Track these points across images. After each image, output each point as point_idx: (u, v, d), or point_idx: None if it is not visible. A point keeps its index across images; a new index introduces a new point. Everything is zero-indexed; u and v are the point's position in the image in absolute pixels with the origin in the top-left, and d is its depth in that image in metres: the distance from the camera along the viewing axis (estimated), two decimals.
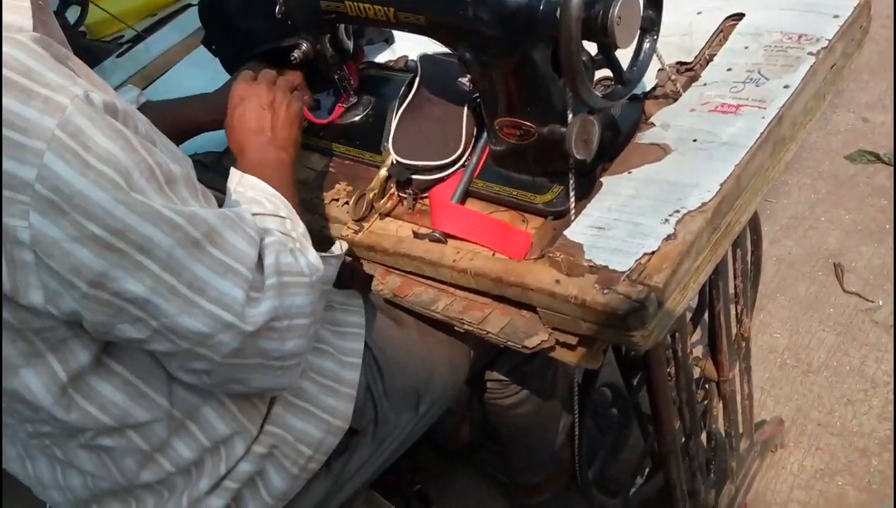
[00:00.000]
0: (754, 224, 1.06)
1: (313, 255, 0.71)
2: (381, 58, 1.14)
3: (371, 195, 0.89)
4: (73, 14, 1.49)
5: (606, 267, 0.66)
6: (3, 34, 0.53)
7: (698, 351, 1.11)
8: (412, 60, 1.08)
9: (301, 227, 0.74)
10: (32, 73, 0.51)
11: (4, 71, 0.50)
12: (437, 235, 0.82)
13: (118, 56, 1.47)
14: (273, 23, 0.92)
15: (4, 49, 0.51)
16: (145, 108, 0.96)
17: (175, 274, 0.57)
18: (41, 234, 0.52)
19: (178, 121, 0.96)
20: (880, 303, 1.58)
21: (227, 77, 1.08)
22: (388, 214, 0.90)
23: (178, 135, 0.96)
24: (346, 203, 0.90)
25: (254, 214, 0.70)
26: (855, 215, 1.79)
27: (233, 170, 0.78)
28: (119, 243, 0.54)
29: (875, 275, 1.64)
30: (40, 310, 0.56)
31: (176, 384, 0.69)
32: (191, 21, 1.53)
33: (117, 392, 0.66)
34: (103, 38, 1.55)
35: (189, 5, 1.61)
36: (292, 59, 0.94)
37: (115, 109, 0.56)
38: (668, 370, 0.94)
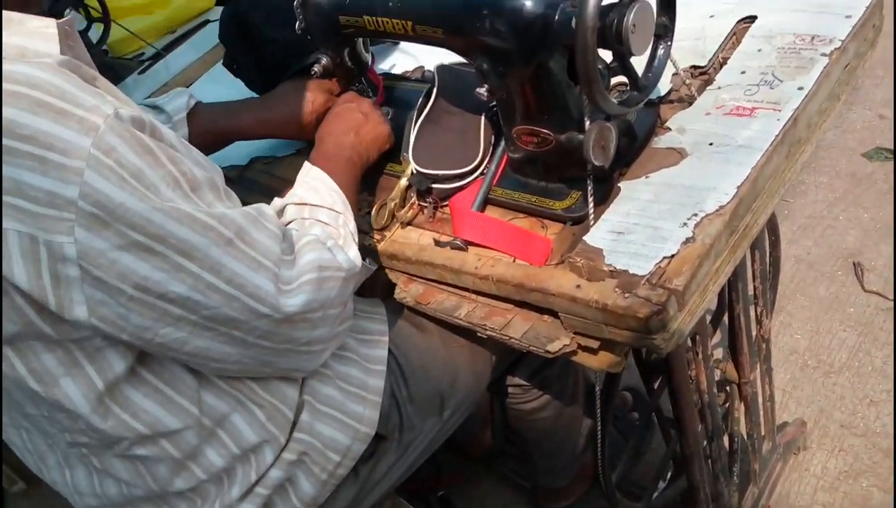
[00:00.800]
0: (772, 225, 1.06)
1: (353, 252, 0.76)
2: (399, 69, 1.16)
3: (392, 204, 0.91)
4: (94, 33, 1.53)
5: (626, 271, 0.67)
6: (35, 60, 0.55)
7: (719, 353, 1.11)
8: (429, 71, 1.10)
9: (352, 225, 0.80)
10: (66, 95, 0.54)
11: (41, 95, 0.53)
12: (459, 243, 0.84)
13: (140, 73, 1.51)
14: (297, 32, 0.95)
15: (38, 73, 0.54)
16: (196, 110, 0.98)
17: (214, 273, 0.60)
18: (87, 247, 0.55)
19: (225, 125, 0.99)
20: None
21: (246, 92, 1.11)
22: (409, 223, 0.91)
23: (222, 140, 1.01)
24: (368, 212, 0.91)
25: (312, 204, 0.77)
26: (873, 213, 1.79)
27: (306, 162, 0.83)
28: (160, 247, 0.57)
29: (894, 273, 1.63)
30: (84, 324, 0.58)
31: (205, 391, 0.71)
32: (209, 38, 1.56)
33: (148, 400, 0.68)
34: (125, 55, 1.59)
35: (207, 22, 1.64)
36: (313, 72, 0.96)
37: (142, 123, 0.59)
38: (689, 372, 0.94)
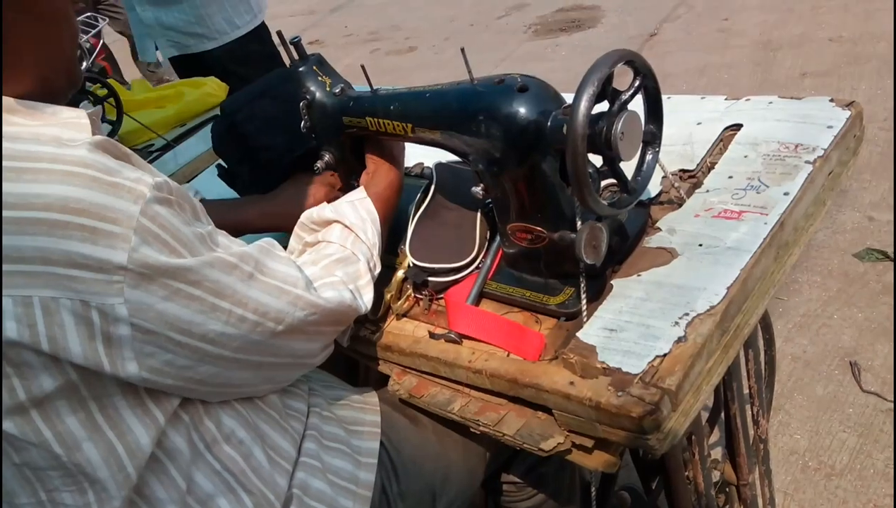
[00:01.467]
0: (765, 324, 1.07)
1: (369, 297, 0.83)
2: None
3: (388, 296, 0.92)
4: (104, 126, 1.59)
5: (620, 369, 0.68)
6: (80, 142, 0.60)
7: (718, 453, 1.09)
8: (427, 167, 1.14)
9: (379, 265, 0.87)
10: (113, 172, 0.59)
11: (94, 173, 0.58)
12: (453, 336, 0.84)
13: (148, 162, 1.55)
14: (292, 134, 0.99)
15: (88, 155, 0.58)
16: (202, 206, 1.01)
17: (242, 306, 0.66)
18: (137, 304, 0.59)
19: (232, 221, 1.02)
20: None
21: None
22: (404, 315, 0.92)
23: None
24: None
25: (356, 236, 0.85)
26: (868, 313, 1.80)
27: (361, 186, 0.91)
28: (197, 291, 0.63)
29: (892, 374, 1.62)
30: (134, 377, 0.62)
31: (195, 469, 0.70)
32: None
33: (147, 469, 0.67)
34: (135, 145, 1.64)
35: (217, 116, 1.71)
36: (316, 168, 0.99)
37: (170, 187, 0.64)
38: (687, 473, 0.93)
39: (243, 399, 0.75)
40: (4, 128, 0.60)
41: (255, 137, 1.04)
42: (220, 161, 1.14)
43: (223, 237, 0.70)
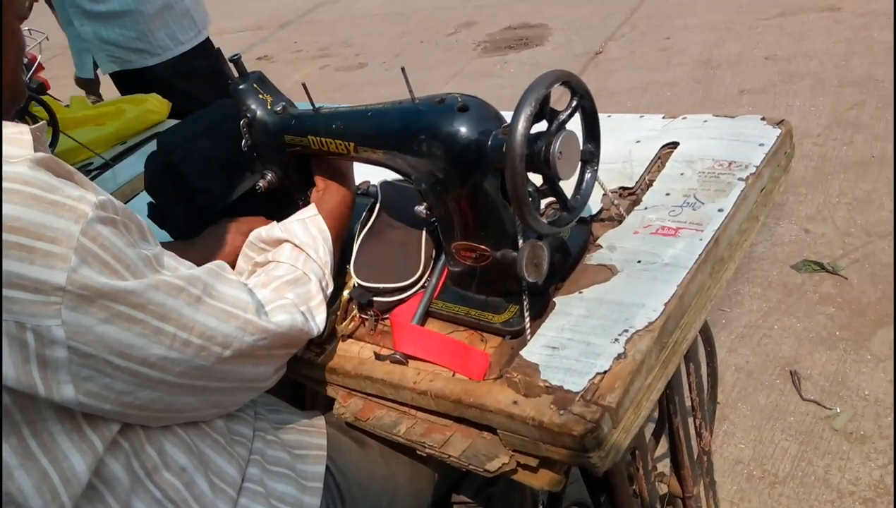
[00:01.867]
0: (706, 336, 1.09)
1: (321, 317, 0.81)
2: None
3: (333, 317, 0.90)
4: None
5: (561, 387, 0.68)
6: (21, 158, 0.58)
7: (665, 465, 1.11)
8: (373, 186, 1.13)
9: (332, 284, 0.86)
10: (55, 189, 0.57)
11: (34, 190, 0.56)
12: (399, 357, 0.83)
13: None
14: (232, 178, 0.98)
15: (26, 170, 0.57)
16: None
17: (188, 330, 0.65)
18: (75, 327, 0.57)
19: None
20: (838, 411, 1.60)
21: None
22: (350, 336, 0.91)
23: None
24: None
25: (307, 254, 0.84)
26: (806, 323, 1.86)
27: (312, 204, 0.90)
28: (141, 315, 0.61)
29: (830, 382, 1.68)
30: (70, 401, 0.60)
31: (135, 499, 0.68)
32: None
33: (83, 498, 0.64)
34: (72, 164, 1.58)
35: (157, 134, 1.67)
36: (258, 187, 0.98)
37: (114, 207, 0.63)
38: (633, 487, 0.93)
39: (187, 424, 0.72)
40: None
41: (193, 179, 1.00)
42: (152, 199, 1.06)
43: (170, 258, 0.68)
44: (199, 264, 0.96)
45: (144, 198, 1.41)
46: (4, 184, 0.55)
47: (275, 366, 0.77)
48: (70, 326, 0.57)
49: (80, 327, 0.57)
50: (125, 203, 1.43)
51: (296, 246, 0.85)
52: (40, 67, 3.73)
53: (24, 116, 1.46)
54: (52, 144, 1.52)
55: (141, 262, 0.62)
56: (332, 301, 0.92)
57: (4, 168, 0.56)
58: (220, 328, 0.67)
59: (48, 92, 2.35)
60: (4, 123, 0.62)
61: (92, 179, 1.51)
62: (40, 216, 0.55)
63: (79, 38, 1.98)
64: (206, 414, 0.75)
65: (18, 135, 0.62)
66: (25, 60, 1.80)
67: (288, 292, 0.80)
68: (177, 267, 0.67)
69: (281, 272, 0.82)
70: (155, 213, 1.07)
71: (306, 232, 0.86)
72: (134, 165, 1.54)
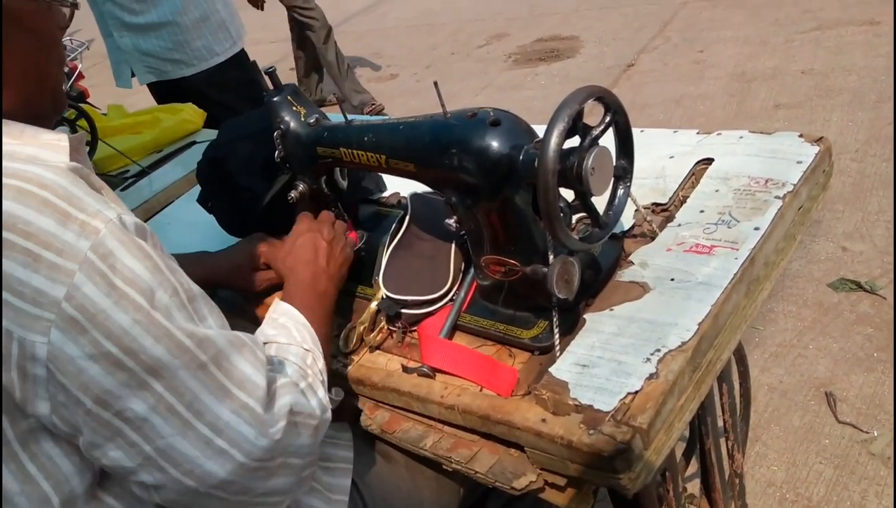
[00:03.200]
0: (740, 356, 1.07)
1: (322, 393, 0.72)
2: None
3: (361, 328, 0.91)
4: None
5: (591, 406, 0.67)
6: (48, 163, 0.57)
7: (695, 486, 1.08)
8: (403, 198, 1.13)
9: (321, 363, 0.76)
10: (73, 199, 0.56)
11: (48, 195, 0.55)
12: (426, 370, 0.83)
13: (122, 189, 1.54)
14: (271, 180, 0.99)
15: (48, 175, 0.56)
16: None
17: (177, 395, 0.58)
18: (59, 351, 0.54)
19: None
20: (875, 434, 1.56)
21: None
22: (377, 347, 0.91)
23: None
24: (337, 335, 0.91)
25: (279, 343, 0.74)
26: (842, 343, 1.81)
27: (276, 300, 0.82)
28: (130, 362, 0.56)
29: (867, 405, 1.63)
30: (45, 418, 0.57)
31: None
32: (193, 158, 1.61)
33: None
34: (110, 172, 1.62)
35: (193, 143, 1.70)
36: (289, 198, 0.98)
37: (144, 231, 0.60)
38: None
39: None
40: None
41: (235, 175, 1.03)
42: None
43: (206, 306, 0.63)
44: (224, 275, 0.96)
45: (179, 205, 1.44)
46: (22, 185, 0.54)
47: (291, 478, 0.66)
48: (54, 348, 0.54)
49: (64, 354, 0.54)
50: (161, 209, 1.46)
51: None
52: (80, 76, 3.84)
53: (61, 123, 1.50)
54: (91, 152, 1.55)
55: (161, 289, 0.57)
56: (359, 312, 0.92)
57: (27, 167, 0.56)
58: (212, 406, 0.59)
59: (87, 100, 2.41)
60: (44, 130, 0.63)
61: (128, 186, 1.55)
62: (51, 225, 0.54)
63: (118, 49, 2.03)
64: None
65: (56, 141, 0.62)
66: (66, 69, 1.84)
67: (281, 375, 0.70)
68: (206, 317, 0.62)
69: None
70: (202, 199, 1.11)
71: (274, 324, 0.78)
72: (170, 173, 1.57)
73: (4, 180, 0.55)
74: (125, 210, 0.61)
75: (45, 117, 0.67)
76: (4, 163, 0.56)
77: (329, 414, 0.72)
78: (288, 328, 0.77)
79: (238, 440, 0.60)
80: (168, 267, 0.60)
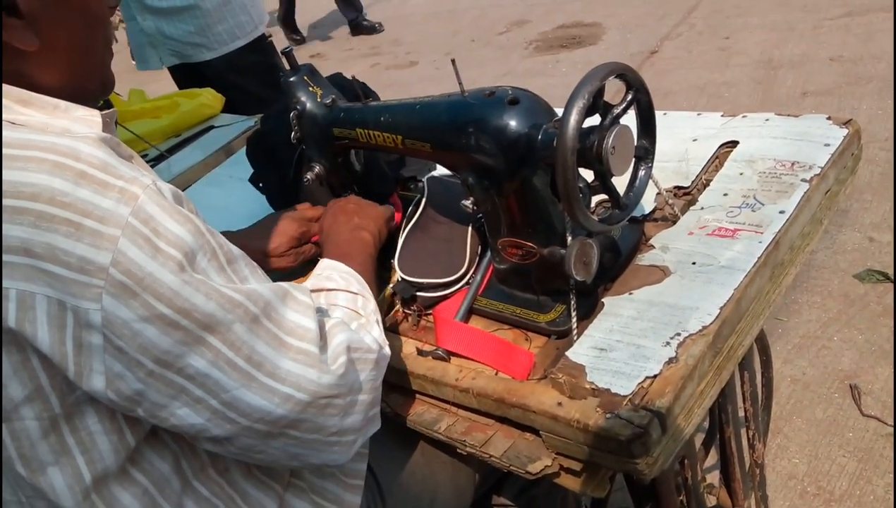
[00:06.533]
0: (762, 345, 1.05)
1: (377, 332, 0.74)
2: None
3: None
4: None
5: (609, 390, 0.65)
6: (81, 136, 0.57)
7: (714, 477, 1.07)
8: (420, 180, 1.12)
9: (372, 304, 0.77)
10: (108, 167, 0.56)
11: (83, 166, 0.55)
12: (441, 353, 0.82)
13: None
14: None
15: (82, 146, 0.56)
16: None
17: (234, 349, 0.59)
18: (113, 316, 0.54)
19: None
20: None
21: (241, 194, 1.13)
22: (392, 330, 0.90)
23: None
24: None
25: (327, 290, 0.75)
26: (868, 335, 1.77)
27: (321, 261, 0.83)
28: (184, 321, 0.56)
29: (893, 399, 1.59)
30: (100, 394, 0.57)
31: (186, 498, 0.68)
32: (212, 143, 1.61)
33: (136, 501, 0.64)
34: None
35: (211, 127, 1.70)
36: (305, 180, 0.98)
37: (180, 197, 0.61)
38: (681, 498, 0.90)
39: None
40: (14, 117, 0.58)
41: (280, 150, 1.03)
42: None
43: (248, 267, 0.64)
44: (257, 251, 0.95)
45: (199, 189, 1.44)
46: (56, 158, 0.54)
47: (359, 416, 0.68)
48: (108, 313, 0.54)
49: (118, 318, 0.54)
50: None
51: (311, 291, 0.76)
52: None
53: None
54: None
55: (202, 252, 0.58)
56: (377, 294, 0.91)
57: (60, 141, 0.56)
58: (270, 356, 0.61)
59: None
60: (77, 106, 0.62)
61: None
62: (87, 194, 0.54)
63: (140, 33, 2.04)
64: (287, 465, 0.69)
65: (89, 116, 0.62)
66: None
67: (330, 317, 0.72)
68: (248, 277, 0.63)
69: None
70: (253, 178, 1.12)
71: (319, 278, 0.79)
72: (188, 157, 1.57)
73: (39, 155, 0.55)
74: (157, 177, 0.61)
75: (92, 97, 0.67)
76: (38, 137, 0.56)
77: (387, 350, 0.73)
78: (333, 278, 0.78)
79: (301, 383, 0.62)
80: (208, 230, 0.61)
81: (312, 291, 0.76)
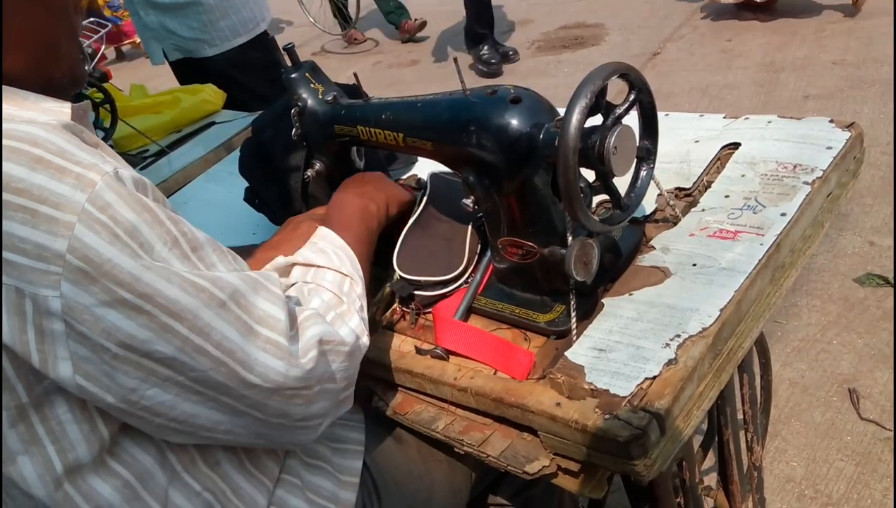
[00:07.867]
0: (762, 347, 1.05)
1: (355, 323, 0.72)
2: (394, 175, 1.18)
3: (374, 309, 0.90)
4: (99, 133, 1.58)
5: (607, 390, 0.65)
6: (42, 123, 0.56)
7: (712, 479, 1.06)
8: (422, 179, 1.12)
9: (359, 288, 0.77)
10: (66, 154, 0.55)
11: (40, 152, 0.54)
12: (440, 352, 0.82)
13: (141, 169, 1.54)
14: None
15: (39, 132, 0.55)
16: None
17: (202, 335, 0.58)
18: (72, 302, 0.53)
19: None
20: None
21: (242, 190, 1.12)
22: (390, 328, 0.90)
23: None
24: None
25: (317, 266, 0.75)
26: (867, 339, 1.77)
27: (319, 227, 0.82)
28: (147, 306, 0.55)
29: (891, 402, 1.59)
30: (68, 382, 0.56)
31: (173, 490, 0.67)
32: (213, 139, 1.61)
33: (116, 493, 0.64)
34: (129, 151, 1.63)
35: (212, 123, 1.70)
36: (305, 177, 0.97)
37: (144, 184, 0.59)
38: (678, 500, 0.90)
39: None
40: None
41: (282, 157, 1.01)
42: (248, 184, 1.10)
43: (215, 253, 0.62)
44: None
45: (198, 185, 1.44)
46: (13, 144, 0.53)
47: (328, 402, 0.68)
48: (67, 300, 0.53)
49: (78, 304, 0.54)
50: (179, 189, 1.46)
51: (300, 264, 0.78)
52: (104, 57, 3.87)
53: (81, 100, 1.50)
54: (111, 130, 1.55)
55: (161, 243, 0.57)
56: (372, 293, 0.91)
57: (18, 126, 0.55)
58: (240, 343, 0.60)
59: (110, 80, 2.42)
60: (47, 98, 0.62)
61: (147, 165, 1.55)
62: (42, 179, 0.53)
63: (145, 27, 2.04)
64: (253, 443, 0.69)
65: (58, 107, 0.61)
66: (90, 50, 1.85)
67: (305, 308, 0.71)
68: (216, 264, 0.62)
69: (291, 293, 0.74)
70: (250, 196, 1.08)
71: (312, 248, 0.79)
72: (188, 152, 1.57)
73: None
74: (123, 164, 0.60)
75: (60, 88, 0.66)
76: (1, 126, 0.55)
77: (365, 340, 0.73)
78: (326, 252, 0.77)
79: (269, 374, 0.61)
80: (170, 218, 0.59)
81: (302, 265, 0.76)
